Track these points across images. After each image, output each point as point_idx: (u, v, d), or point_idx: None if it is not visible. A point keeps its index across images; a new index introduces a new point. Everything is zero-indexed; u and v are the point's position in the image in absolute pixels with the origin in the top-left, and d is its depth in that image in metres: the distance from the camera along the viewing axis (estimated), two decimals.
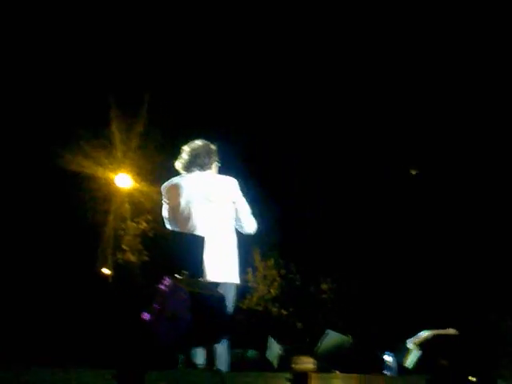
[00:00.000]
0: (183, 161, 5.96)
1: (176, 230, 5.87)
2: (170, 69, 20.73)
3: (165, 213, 5.98)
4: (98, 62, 20.28)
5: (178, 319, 4.71)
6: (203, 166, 5.91)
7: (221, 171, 6.12)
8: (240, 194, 5.93)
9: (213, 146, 6.05)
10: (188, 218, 5.78)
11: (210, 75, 20.61)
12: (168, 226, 5.99)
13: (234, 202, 5.87)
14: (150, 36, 20.43)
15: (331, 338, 9.22)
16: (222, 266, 5.65)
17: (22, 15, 19.46)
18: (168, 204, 5.95)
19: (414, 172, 20.60)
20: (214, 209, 5.77)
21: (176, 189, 5.89)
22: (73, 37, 20.02)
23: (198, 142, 6.03)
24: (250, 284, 19.96)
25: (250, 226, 6.05)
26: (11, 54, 19.44)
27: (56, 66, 19.95)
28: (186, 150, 5.99)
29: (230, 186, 5.89)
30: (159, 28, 20.36)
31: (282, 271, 20.29)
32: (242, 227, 6.01)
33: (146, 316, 4.73)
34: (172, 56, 20.55)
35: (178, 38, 20.45)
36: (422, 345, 8.02)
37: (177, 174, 6.04)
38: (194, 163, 5.90)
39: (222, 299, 5.23)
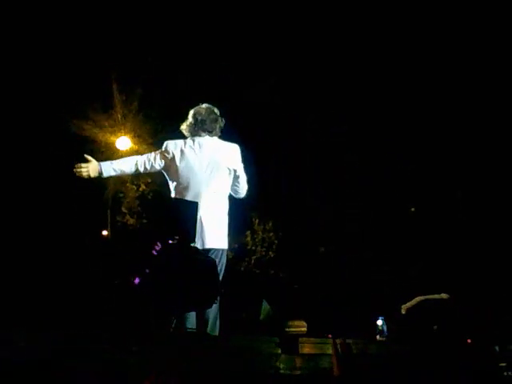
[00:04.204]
0: (190, 125, 5.96)
1: (172, 192, 5.93)
2: (173, 32, 20.70)
3: (157, 156, 6.01)
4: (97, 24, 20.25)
5: (168, 284, 4.76)
6: (211, 131, 5.93)
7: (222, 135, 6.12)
8: (240, 160, 6.00)
9: (217, 111, 6.04)
10: (186, 182, 5.82)
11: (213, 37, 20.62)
12: (137, 158, 6.12)
13: (234, 169, 5.92)
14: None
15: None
16: (213, 232, 5.72)
17: None
18: (166, 156, 5.96)
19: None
20: (214, 175, 5.81)
21: (180, 150, 5.90)
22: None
23: (204, 107, 6.02)
24: (248, 247, 20.03)
25: (244, 191, 6.14)
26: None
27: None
28: (192, 114, 5.98)
29: (233, 153, 5.94)
30: None
31: (280, 234, 20.33)
32: (236, 192, 6.08)
33: (136, 280, 4.80)
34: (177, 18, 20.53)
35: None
36: (413, 309, 8.11)
37: (182, 136, 6.07)
38: (200, 128, 5.91)
39: (213, 264, 5.28)
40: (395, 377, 5.21)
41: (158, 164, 5.98)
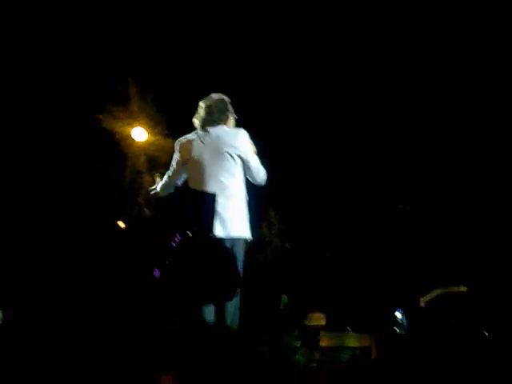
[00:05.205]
0: (199, 117, 5.97)
1: (187, 185, 5.91)
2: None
3: (174, 165, 6.08)
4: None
5: (188, 276, 4.75)
6: (217, 121, 5.90)
7: (239, 123, 6.11)
8: (249, 145, 5.89)
9: (226, 99, 6.02)
10: (199, 174, 5.78)
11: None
12: (165, 178, 6.21)
13: (237, 154, 5.81)
14: None
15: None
16: (232, 222, 5.60)
17: None
18: (179, 158, 5.99)
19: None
20: (217, 163, 5.75)
21: (188, 144, 5.91)
22: None
23: (213, 97, 6.01)
24: (267, 239, 20.01)
25: (260, 176, 6.01)
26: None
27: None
28: (201, 105, 5.99)
29: (236, 138, 5.83)
30: None
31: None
32: (253, 178, 5.97)
33: (156, 273, 4.78)
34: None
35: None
36: (432, 302, 8.07)
37: (194, 129, 6.07)
38: (208, 120, 5.90)
39: (232, 256, 5.26)
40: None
41: (182, 164, 6.02)
